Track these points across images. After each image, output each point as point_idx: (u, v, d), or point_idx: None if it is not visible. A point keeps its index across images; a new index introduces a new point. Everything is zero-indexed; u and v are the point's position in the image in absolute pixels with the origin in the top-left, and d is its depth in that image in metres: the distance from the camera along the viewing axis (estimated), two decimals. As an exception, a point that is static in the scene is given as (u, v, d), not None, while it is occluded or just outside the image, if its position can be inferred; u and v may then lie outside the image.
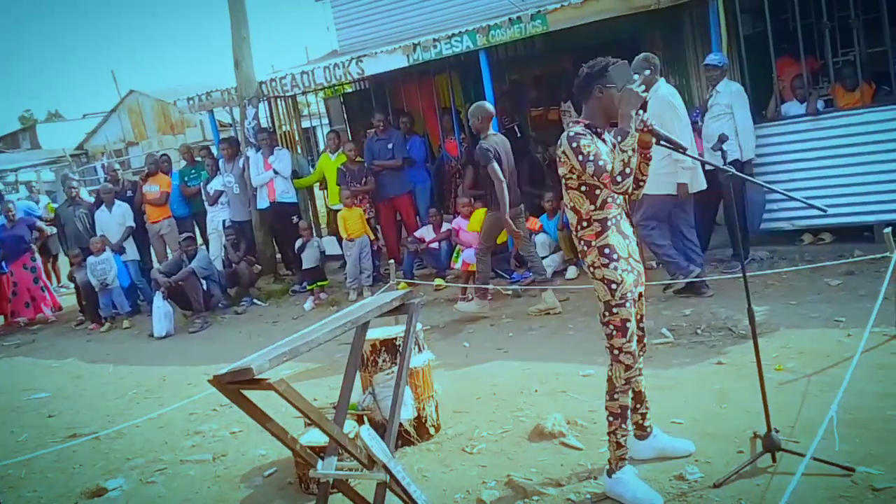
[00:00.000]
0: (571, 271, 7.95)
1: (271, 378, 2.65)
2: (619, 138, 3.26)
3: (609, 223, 3.42)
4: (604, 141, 3.43)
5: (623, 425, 3.52)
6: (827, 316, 5.55)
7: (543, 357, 5.79)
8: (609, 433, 3.55)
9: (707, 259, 7.51)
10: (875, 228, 6.69)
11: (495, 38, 8.09)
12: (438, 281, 8.35)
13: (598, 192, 3.39)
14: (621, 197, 3.48)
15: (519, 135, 10.44)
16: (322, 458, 3.20)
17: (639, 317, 3.62)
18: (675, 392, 4.62)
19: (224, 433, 5.33)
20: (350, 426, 4.12)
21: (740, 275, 3.75)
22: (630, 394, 3.63)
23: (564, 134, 3.41)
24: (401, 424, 4.41)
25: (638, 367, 3.61)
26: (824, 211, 3.65)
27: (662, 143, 3.58)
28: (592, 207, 3.41)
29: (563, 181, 3.48)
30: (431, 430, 4.61)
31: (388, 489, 3.11)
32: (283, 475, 4.45)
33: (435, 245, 8.60)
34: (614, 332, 3.44)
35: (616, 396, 3.50)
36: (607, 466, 3.61)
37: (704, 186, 6.44)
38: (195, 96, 10.46)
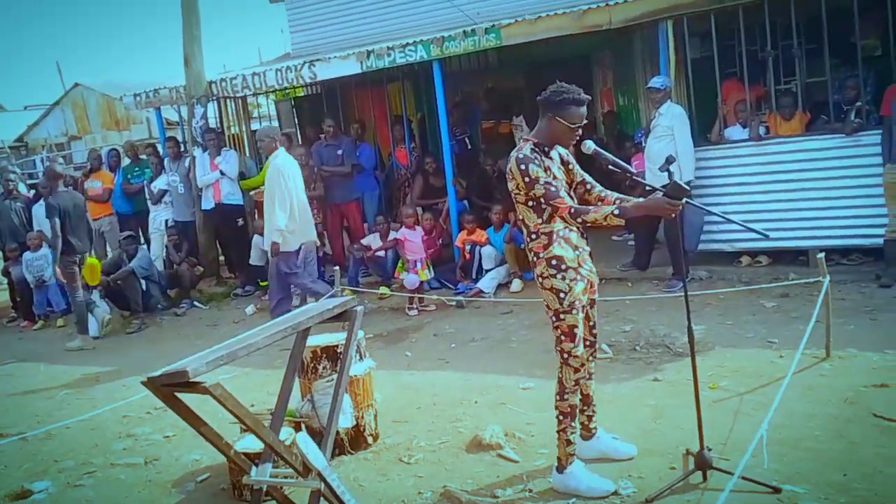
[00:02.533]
0: (516, 284, 8.01)
1: (207, 382, 2.61)
2: (618, 211, 3.41)
3: (555, 236, 3.54)
4: (550, 158, 3.57)
5: (572, 424, 3.68)
6: (761, 336, 5.69)
7: (485, 369, 5.81)
8: (558, 431, 3.69)
9: (648, 277, 7.68)
10: (810, 253, 6.89)
11: (449, 50, 8.13)
12: (383, 289, 8.32)
13: (543, 206, 3.52)
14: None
15: (469, 147, 10.51)
16: (256, 465, 3.15)
17: (591, 323, 3.80)
18: (612, 407, 4.67)
19: (157, 437, 5.22)
20: (287, 433, 4.07)
21: (680, 294, 3.82)
22: (578, 395, 3.76)
23: (514, 154, 3.54)
24: (338, 433, 4.38)
25: (590, 371, 3.82)
26: (766, 236, 3.75)
27: (611, 167, 3.66)
28: (540, 221, 3.55)
29: (513, 195, 3.61)
30: (370, 439, 4.58)
31: (321, 497, 3.08)
32: (217, 481, 4.37)
33: (381, 253, 8.58)
34: (563, 338, 3.58)
35: (566, 397, 3.65)
36: (556, 464, 3.74)
37: (309, 238, 7.36)
38: (142, 93, 10.25)
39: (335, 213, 9.52)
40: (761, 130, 7.43)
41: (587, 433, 4.01)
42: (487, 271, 8.13)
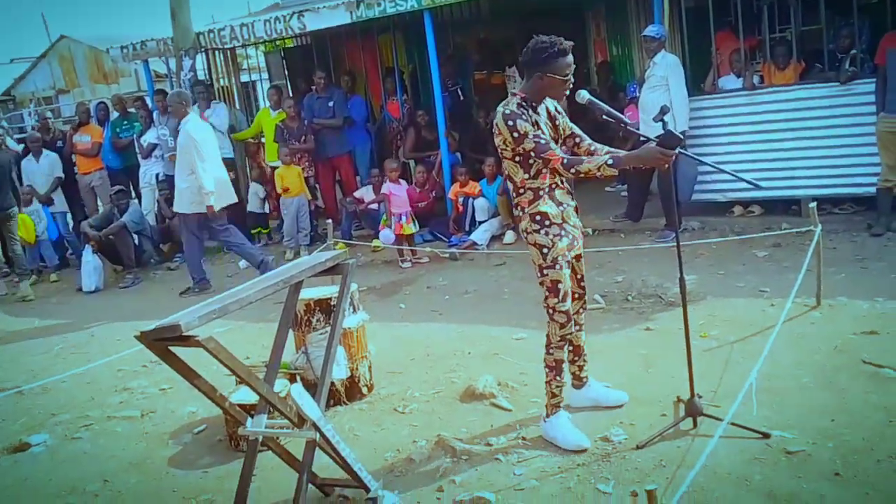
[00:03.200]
0: (509, 236, 8.02)
1: (201, 335, 2.62)
2: (611, 161, 3.38)
3: (542, 192, 3.55)
4: (538, 113, 3.55)
5: (558, 377, 3.73)
6: (753, 286, 5.73)
7: (478, 320, 5.85)
8: (546, 383, 3.76)
9: (641, 228, 7.69)
10: (802, 203, 6.90)
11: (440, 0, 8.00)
12: (376, 242, 8.31)
13: (530, 161, 3.51)
14: None
15: (462, 98, 10.41)
16: (252, 417, 3.18)
17: (578, 276, 3.83)
18: (604, 356, 4.71)
19: (153, 390, 5.26)
20: (282, 385, 4.11)
21: (673, 244, 3.83)
22: (568, 347, 3.83)
23: (500, 109, 3.50)
24: (333, 384, 4.42)
25: (580, 322, 3.89)
26: (757, 186, 3.75)
27: (605, 117, 3.64)
28: (526, 176, 3.54)
29: (499, 150, 3.58)
30: (364, 390, 4.63)
31: (317, 447, 3.12)
32: (213, 433, 4.42)
33: (374, 206, 8.55)
34: (548, 293, 3.61)
35: (552, 351, 3.70)
36: (544, 413, 3.82)
37: (229, 201, 7.67)
38: (129, 45, 10.08)
39: (327, 166, 9.46)
40: (755, 80, 7.37)
41: (578, 382, 4.06)
42: (480, 223, 8.13)
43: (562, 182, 3.63)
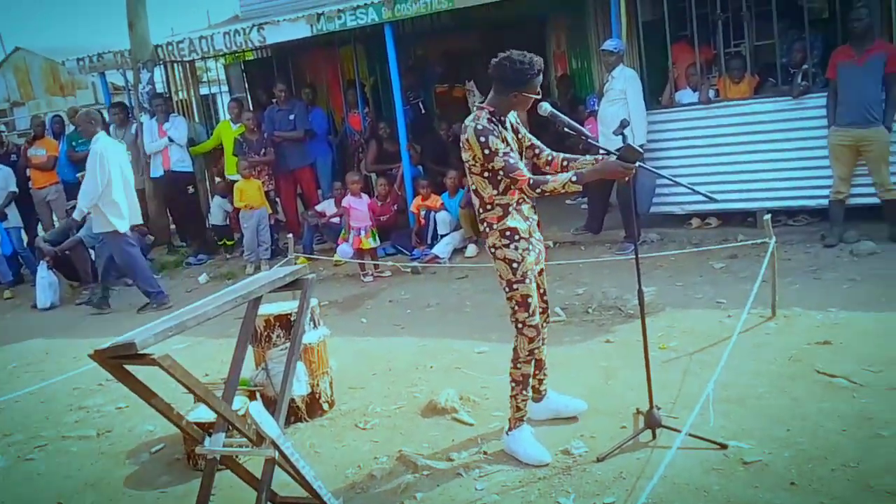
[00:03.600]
0: (471, 249, 8.04)
1: (156, 353, 2.58)
2: (575, 178, 3.39)
3: (510, 208, 3.56)
4: (505, 127, 3.56)
5: (524, 392, 3.74)
6: (710, 297, 5.81)
7: (440, 334, 5.84)
8: (511, 397, 3.76)
9: (601, 240, 7.76)
10: (757, 214, 7.02)
11: (401, 12, 8.02)
12: (338, 256, 8.27)
13: (499, 177, 3.51)
14: None
15: (423, 111, 10.44)
16: (210, 435, 3.14)
17: (542, 291, 3.83)
18: (565, 369, 4.74)
19: (110, 408, 5.16)
20: (241, 402, 4.07)
21: (632, 256, 3.88)
22: (532, 365, 3.82)
23: (471, 124, 3.48)
24: (293, 400, 4.38)
25: (543, 336, 3.83)
26: (711, 199, 3.80)
27: (566, 129, 3.67)
28: (495, 192, 3.55)
29: (467, 166, 3.58)
30: (325, 406, 4.59)
31: (276, 465, 3.09)
32: (171, 451, 4.35)
33: (335, 220, 8.52)
34: (517, 308, 3.61)
35: (519, 366, 3.70)
36: (506, 426, 3.81)
37: (135, 222, 7.71)
38: (86, 57, 9.95)
39: (288, 179, 9.41)
40: (711, 93, 7.50)
41: (537, 395, 4.07)
42: (442, 237, 8.13)
43: (526, 197, 3.65)
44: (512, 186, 3.51)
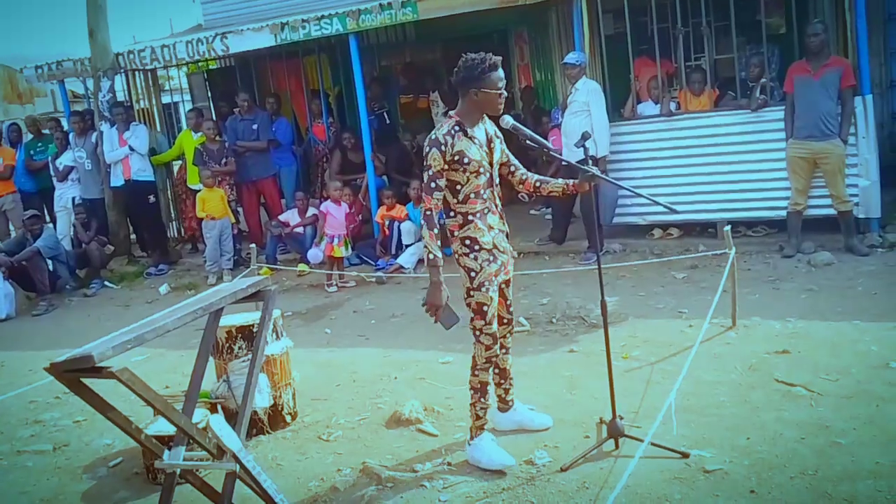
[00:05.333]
0: (435, 259, 8.02)
1: (114, 366, 2.53)
2: (431, 258, 3.45)
3: (471, 217, 3.57)
4: (472, 139, 3.54)
5: (482, 399, 3.73)
6: (672, 307, 5.88)
7: (404, 344, 5.82)
8: (470, 405, 3.75)
9: (564, 250, 7.82)
10: (718, 225, 7.13)
11: (365, 23, 8.03)
12: (302, 267, 8.22)
13: (458, 187, 3.54)
14: (488, 191, 3.63)
15: (388, 121, 10.44)
16: (169, 449, 3.09)
17: (507, 301, 3.85)
18: (529, 378, 4.75)
19: (67, 422, 5.05)
20: (202, 415, 4.01)
21: (595, 266, 3.91)
22: (494, 370, 3.91)
23: (433, 132, 3.52)
24: (256, 412, 4.33)
25: (507, 346, 3.92)
26: (672, 210, 3.85)
27: (528, 142, 3.69)
28: (455, 201, 3.58)
29: None
30: (288, 418, 4.55)
31: (237, 479, 3.04)
32: (130, 465, 4.27)
33: (300, 230, 8.47)
34: (474, 316, 3.64)
35: (477, 373, 3.71)
36: (468, 436, 3.80)
37: None
38: (45, 65, 9.78)
39: (251, 189, 9.33)
40: (672, 106, 7.61)
41: (504, 405, 4.07)
42: (407, 247, 8.12)
43: (495, 207, 3.66)
44: (472, 195, 3.55)
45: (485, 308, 3.59)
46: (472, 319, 3.65)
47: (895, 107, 9.23)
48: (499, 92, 3.50)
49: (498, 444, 3.80)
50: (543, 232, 8.17)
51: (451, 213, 3.59)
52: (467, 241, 3.55)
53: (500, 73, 3.51)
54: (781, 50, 7.98)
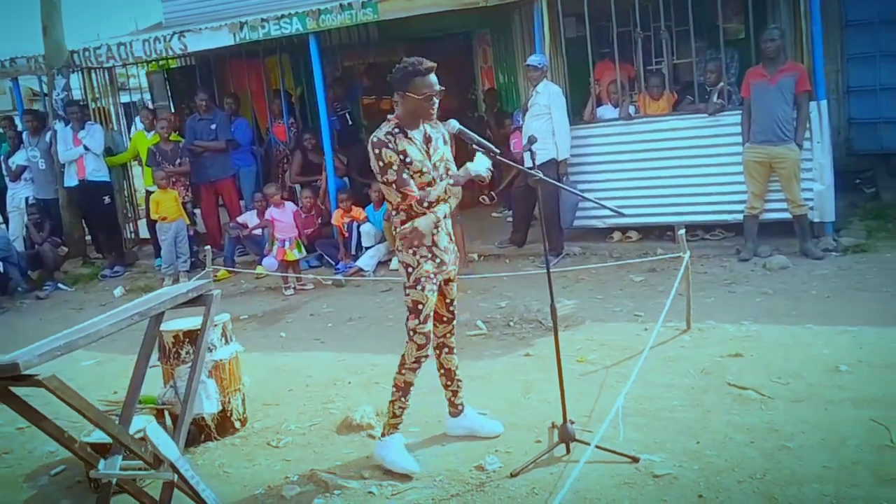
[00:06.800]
0: (396, 262, 7.95)
1: (42, 374, 2.44)
2: (451, 182, 3.58)
3: (413, 215, 3.58)
4: (411, 140, 3.55)
5: (403, 399, 3.74)
6: (629, 310, 5.88)
7: (360, 348, 5.76)
8: (390, 402, 3.76)
9: (525, 253, 7.80)
10: (676, 228, 7.13)
11: (326, 23, 7.95)
12: (260, 269, 8.11)
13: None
14: (431, 190, 3.63)
15: (350, 122, 10.35)
16: (106, 458, 3.00)
17: (448, 300, 3.84)
18: (483, 383, 4.72)
19: (9, 429, 4.89)
20: (147, 421, 3.91)
21: (555, 269, 3.90)
22: (440, 370, 3.94)
23: (373, 135, 3.54)
24: (203, 419, 4.25)
25: (450, 345, 3.91)
26: (620, 213, 3.85)
27: (475, 146, 3.66)
28: (400, 199, 3.57)
29: (375, 173, 3.61)
30: (237, 424, 4.45)
31: (176, 488, 2.96)
32: (72, 474, 4.14)
33: (258, 231, 8.35)
34: (409, 314, 3.63)
35: (404, 372, 3.71)
36: (380, 431, 3.84)
37: None
38: (-3, 62, 9.57)
39: (209, 190, 9.19)
40: (631, 110, 7.62)
41: (454, 409, 4.03)
42: (367, 249, 8.05)
43: (432, 206, 3.63)
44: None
45: (420, 306, 3.58)
46: (407, 318, 3.64)
47: (852, 112, 9.35)
48: (421, 97, 3.49)
49: (407, 448, 3.79)
50: (504, 234, 8.14)
51: (395, 212, 3.63)
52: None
53: (431, 78, 3.51)
54: (740, 55, 8.04)
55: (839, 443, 3.56)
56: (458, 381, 4.01)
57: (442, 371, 3.95)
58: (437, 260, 3.64)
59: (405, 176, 3.49)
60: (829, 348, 4.68)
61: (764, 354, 4.69)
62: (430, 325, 3.64)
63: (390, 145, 3.48)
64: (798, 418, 3.84)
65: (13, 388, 2.59)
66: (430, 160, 3.61)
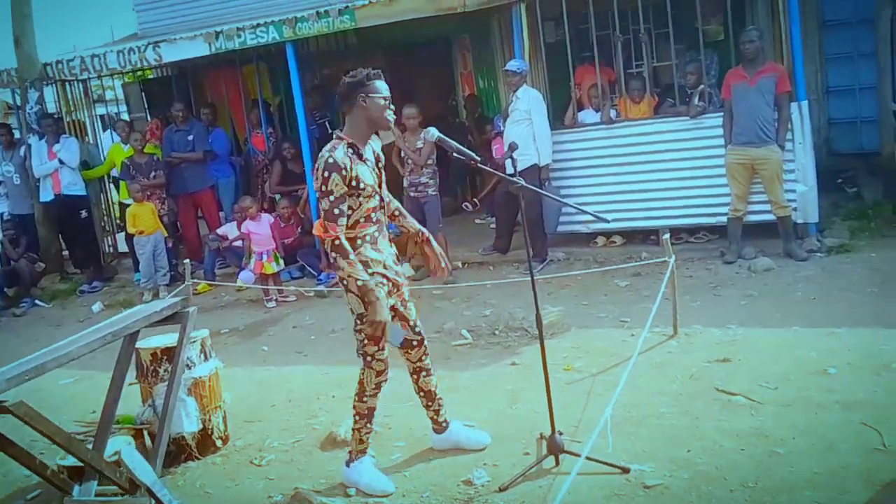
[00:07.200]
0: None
1: (9, 400, 2.35)
2: (360, 283, 3.27)
3: (360, 241, 3.46)
4: (365, 161, 3.45)
5: (368, 424, 3.69)
6: (615, 316, 5.82)
7: (344, 360, 5.61)
8: (355, 430, 3.70)
9: (509, 260, 7.74)
10: (660, 232, 7.11)
11: (302, 31, 7.87)
12: (241, 281, 8.00)
13: (350, 212, 3.41)
14: (379, 213, 3.55)
15: (330, 131, 10.24)
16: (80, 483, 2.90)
17: (411, 322, 3.73)
18: (469, 393, 4.65)
19: (-17, 453, 4.78)
20: (126, 442, 3.80)
21: (540, 276, 3.83)
22: (419, 394, 3.85)
23: (325, 154, 3.36)
24: (183, 438, 4.14)
25: (426, 368, 3.82)
26: (601, 219, 3.79)
27: (455, 154, 3.60)
28: (321, 231, 3.40)
29: None
30: (218, 443, 4.35)
31: (154, 514, 2.87)
32: (48, 496, 3.98)
33: (238, 243, 8.24)
34: (367, 341, 3.53)
35: (365, 399, 3.66)
36: (347, 457, 3.75)
37: None
38: (-33, 75, 9.42)
39: (188, 201, 9.07)
40: (612, 114, 7.59)
41: (439, 427, 3.94)
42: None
43: (385, 230, 3.59)
44: (362, 219, 3.43)
45: (377, 333, 3.46)
46: (362, 345, 3.54)
47: (832, 112, 9.39)
48: (385, 98, 3.43)
49: (377, 467, 3.74)
50: (487, 241, 8.07)
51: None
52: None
53: (384, 84, 3.44)
54: (720, 56, 8.03)
55: (829, 447, 3.52)
56: (439, 399, 3.91)
57: (422, 394, 3.86)
58: (390, 283, 3.54)
59: (339, 210, 3.29)
60: (816, 351, 4.64)
61: (751, 359, 4.64)
62: (387, 351, 3.56)
63: (343, 171, 3.29)
64: (787, 423, 3.79)
65: (-19, 415, 2.47)
66: (379, 181, 3.52)
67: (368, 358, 3.54)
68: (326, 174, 3.29)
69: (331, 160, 3.30)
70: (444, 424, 3.94)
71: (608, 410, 3.64)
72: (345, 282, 3.40)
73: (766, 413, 3.93)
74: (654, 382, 4.46)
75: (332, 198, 3.29)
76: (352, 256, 3.28)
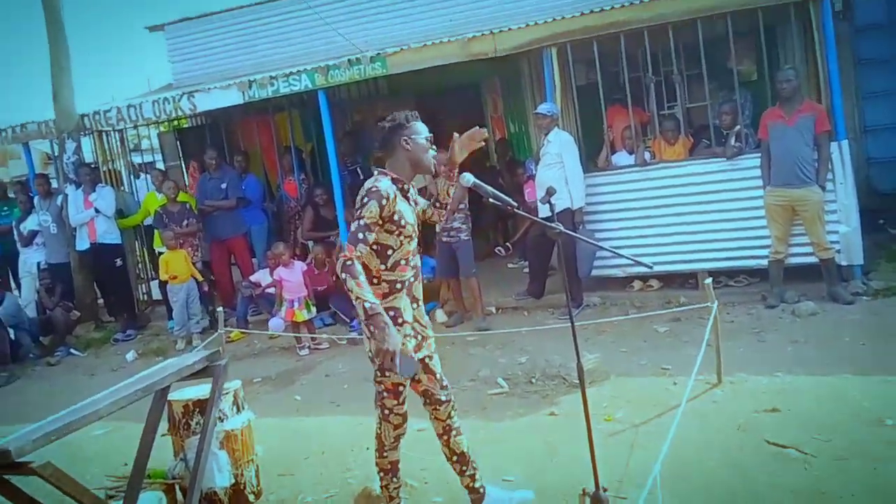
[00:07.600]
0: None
1: (36, 462, 2.27)
2: (368, 307, 3.03)
3: (398, 285, 3.34)
4: (407, 199, 3.38)
5: (394, 479, 3.59)
6: (655, 363, 5.66)
7: (378, 410, 5.54)
8: (382, 486, 3.59)
9: (543, 305, 7.60)
10: (699, 276, 6.95)
11: (335, 79, 7.92)
12: (272, 329, 7.94)
13: (390, 252, 3.29)
14: (416, 258, 3.44)
15: (362, 177, 10.26)
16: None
17: (437, 377, 3.56)
18: (508, 445, 4.51)
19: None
20: (156, 499, 3.72)
21: (578, 321, 3.70)
22: (453, 458, 3.65)
23: (367, 183, 3.29)
24: (216, 493, 4.04)
25: (455, 427, 3.61)
26: (640, 263, 3.68)
27: (491, 199, 3.52)
28: (382, 266, 3.31)
29: None
30: (251, 497, 4.24)
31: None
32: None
33: (271, 290, 8.21)
34: (386, 394, 3.40)
35: (385, 454, 3.54)
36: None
37: None
38: (8, 128, 9.57)
39: (221, 248, 9.10)
40: (646, 155, 7.49)
41: (476, 496, 3.70)
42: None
43: (420, 274, 3.48)
44: (402, 262, 3.32)
45: (400, 388, 3.36)
46: (380, 397, 3.40)
47: (870, 151, 9.21)
48: (427, 138, 3.39)
49: None
50: (521, 286, 7.95)
51: (375, 281, 3.28)
52: (390, 313, 3.22)
53: (424, 125, 3.41)
54: (753, 96, 7.93)
55: (892, 504, 3.33)
56: (473, 463, 3.69)
57: (455, 458, 3.63)
58: (420, 336, 3.41)
59: (363, 235, 3.13)
60: (869, 400, 4.44)
61: (801, 408, 4.46)
62: (406, 406, 3.44)
63: (384, 201, 3.18)
64: (845, 478, 3.60)
65: (6, 476, 2.40)
66: (418, 222, 3.45)
67: (386, 411, 3.42)
68: (366, 200, 3.19)
69: (374, 188, 3.21)
70: (481, 492, 3.71)
71: (657, 466, 3.48)
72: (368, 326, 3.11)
73: (821, 467, 3.75)
74: (700, 434, 4.29)
75: (361, 222, 3.16)
76: (361, 278, 3.07)
